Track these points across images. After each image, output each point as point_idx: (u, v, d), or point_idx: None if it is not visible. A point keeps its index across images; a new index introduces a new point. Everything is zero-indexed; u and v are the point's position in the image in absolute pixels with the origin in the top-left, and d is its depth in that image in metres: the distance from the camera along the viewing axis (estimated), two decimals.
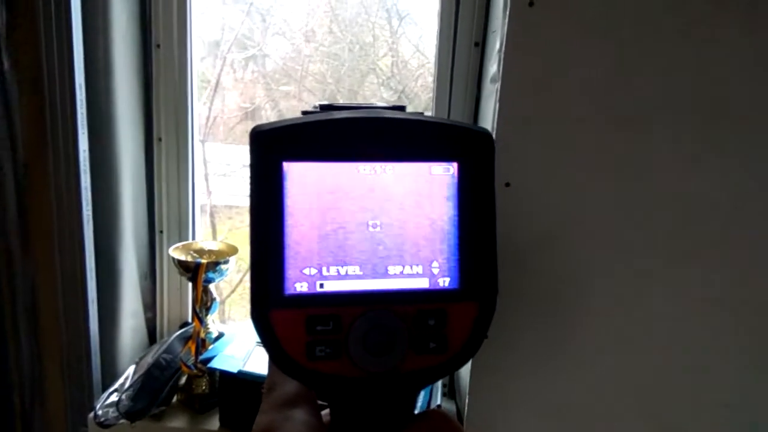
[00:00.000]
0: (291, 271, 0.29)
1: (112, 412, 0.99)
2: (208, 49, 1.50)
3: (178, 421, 1.03)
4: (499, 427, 0.87)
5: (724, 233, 0.79)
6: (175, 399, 1.07)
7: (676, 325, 0.82)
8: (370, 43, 1.74)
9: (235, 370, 1.00)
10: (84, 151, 0.95)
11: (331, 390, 0.30)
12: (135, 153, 1.08)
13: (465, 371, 0.95)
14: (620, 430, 0.86)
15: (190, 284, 1.17)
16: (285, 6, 1.70)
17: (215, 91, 1.67)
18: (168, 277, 1.17)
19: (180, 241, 1.13)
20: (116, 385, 1.03)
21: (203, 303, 1.07)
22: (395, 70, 1.77)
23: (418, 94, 1.78)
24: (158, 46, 1.05)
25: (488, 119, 0.91)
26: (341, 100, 1.65)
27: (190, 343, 1.08)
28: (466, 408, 0.85)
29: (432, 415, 0.30)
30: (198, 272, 1.03)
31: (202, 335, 1.08)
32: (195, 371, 1.05)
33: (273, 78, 1.77)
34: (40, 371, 1.05)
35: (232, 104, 1.75)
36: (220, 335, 1.13)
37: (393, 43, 1.76)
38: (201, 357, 1.05)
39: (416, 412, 0.31)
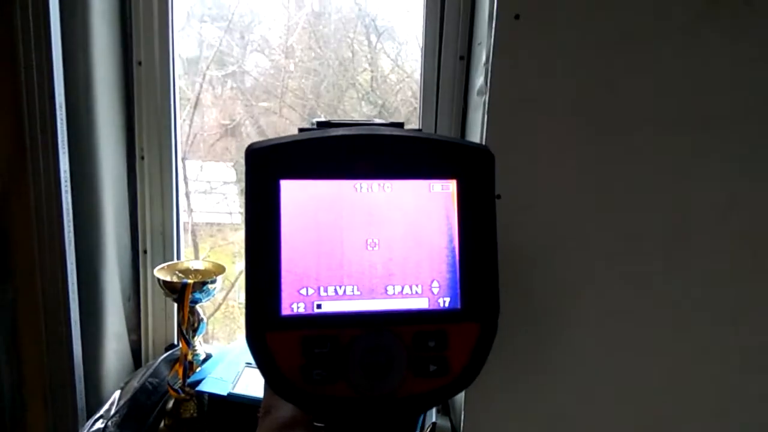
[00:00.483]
0: (287, 292, 0.28)
1: None
2: (186, 66, 1.49)
3: None
4: None
5: (716, 242, 0.80)
6: (162, 424, 1.04)
7: (669, 334, 0.82)
8: (350, 59, 1.75)
9: (224, 393, 0.97)
10: (65, 171, 0.93)
11: (328, 414, 0.29)
12: (117, 172, 1.06)
13: None
14: None
15: (175, 305, 1.15)
16: (264, 23, 1.70)
17: (195, 108, 1.65)
18: (152, 298, 1.15)
19: (164, 261, 1.11)
20: (101, 412, 1.00)
21: (190, 324, 1.05)
22: (375, 85, 1.78)
23: (399, 108, 1.79)
24: (140, 63, 1.03)
25: (476, 132, 0.91)
26: (322, 116, 1.65)
27: (177, 366, 1.06)
28: (461, 425, 0.85)
29: None
30: (185, 293, 1.01)
31: (190, 357, 1.05)
32: (183, 395, 1.03)
33: (252, 94, 1.76)
34: (21, 400, 1.02)
35: (211, 121, 1.74)
36: (208, 357, 1.10)
37: (372, 58, 1.76)
38: (189, 380, 1.03)
39: None
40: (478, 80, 0.90)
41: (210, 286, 1.04)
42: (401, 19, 1.68)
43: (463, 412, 0.84)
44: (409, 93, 1.77)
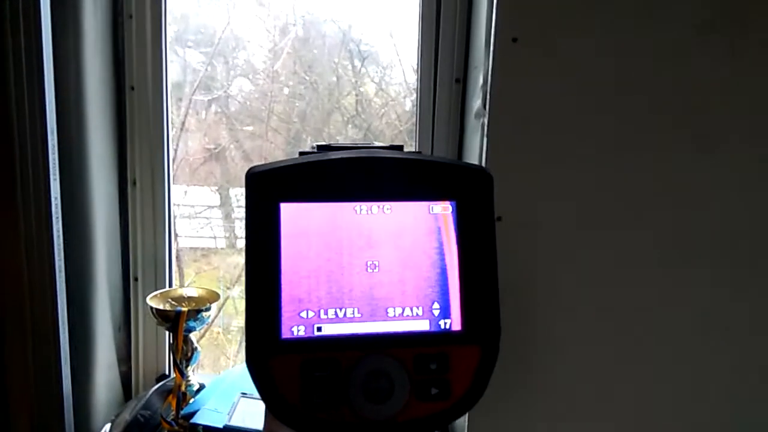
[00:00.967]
0: (287, 315, 0.28)
1: None
2: (171, 91, 1.48)
3: None
4: None
5: (717, 263, 0.81)
6: None
7: (669, 355, 0.83)
8: (334, 83, 1.75)
9: (220, 425, 0.95)
10: (56, 198, 0.90)
11: None
12: (109, 198, 1.04)
13: None
14: None
15: (167, 334, 1.12)
16: (249, 48, 1.70)
17: (180, 132, 1.64)
18: (143, 326, 1.12)
19: (155, 289, 1.09)
20: None
21: (183, 354, 1.02)
22: (359, 109, 1.79)
23: (384, 131, 1.80)
24: (132, 88, 1.02)
25: (474, 154, 0.91)
26: (308, 139, 1.63)
27: (170, 397, 1.02)
28: None
29: None
30: (179, 321, 0.98)
31: (183, 388, 1.02)
32: (176, 428, 0.99)
33: (237, 118, 1.75)
34: None
35: (195, 145, 1.72)
36: (201, 387, 1.07)
37: (356, 82, 1.78)
38: (182, 412, 1.00)
39: None
40: (476, 103, 0.91)
41: (204, 313, 1.01)
42: (385, 43, 1.69)
43: None
44: (394, 116, 1.78)
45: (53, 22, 0.86)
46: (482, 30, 0.88)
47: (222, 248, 1.92)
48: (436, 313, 0.30)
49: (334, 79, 1.72)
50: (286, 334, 0.28)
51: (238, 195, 1.90)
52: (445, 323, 0.30)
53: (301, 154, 0.32)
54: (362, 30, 1.66)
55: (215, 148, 1.73)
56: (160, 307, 1.01)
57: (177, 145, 1.59)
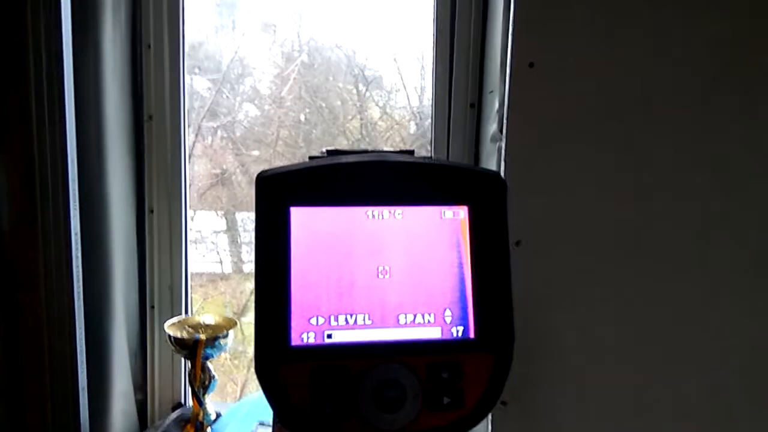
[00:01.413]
0: (297, 321, 0.27)
1: None
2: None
3: None
4: None
5: (737, 297, 0.81)
6: None
7: (687, 386, 0.83)
8: (339, 107, 1.77)
9: None
10: (75, 229, 0.90)
11: None
12: (126, 226, 1.04)
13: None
14: None
15: (182, 361, 1.11)
16: (255, 74, 1.72)
17: (189, 158, 1.64)
18: (159, 354, 1.11)
19: (171, 316, 1.08)
20: None
21: (201, 382, 1.01)
22: (364, 132, 1.80)
23: None
24: (150, 117, 1.03)
25: None
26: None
27: (188, 427, 1.01)
28: None
29: None
30: (197, 349, 0.98)
31: (201, 417, 1.01)
32: None
33: (243, 143, 1.76)
34: None
35: (201, 170, 1.73)
36: (218, 416, 1.06)
37: (361, 106, 1.79)
38: None
39: None
40: (491, 127, 0.92)
41: (222, 340, 1.01)
42: (389, 68, 1.71)
43: None
44: (398, 139, 1.79)
45: (74, 54, 0.87)
46: (497, 54, 0.89)
47: (228, 273, 1.91)
48: (449, 320, 0.29)
49: (339, 103, 1.73)
50: (296, 341, 0.27)
51: (245, 219, 1.90)
52: (458, 331, 0.29)
53: (311, 158, 0.31)
54: (367, 55, 1.68)
55: (221, 173, 1.74)
56: (178, 335, 1.00)
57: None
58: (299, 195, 0.28)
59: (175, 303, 1.10)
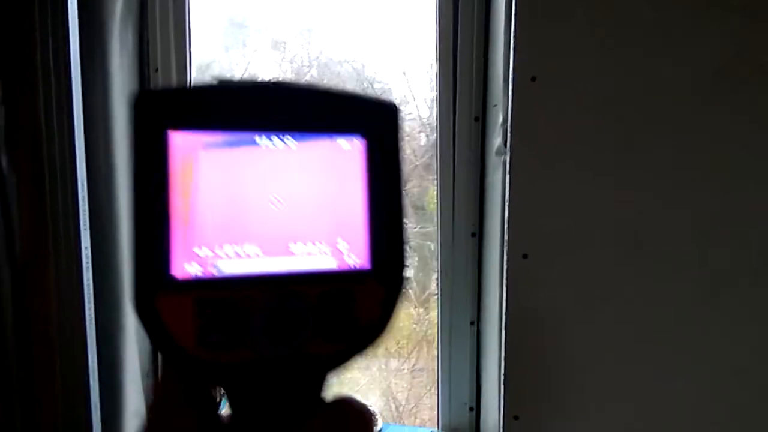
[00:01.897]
0: (179, 250, 0.25)
1: None
2: None
3: None
4: None
5: (737, 297, 0.80)
6: None
7: (696, 402, 0.82)
8: None
9: None
10: (86, 247, 0.92)
11: (228, 379, 0.26)
12: None
13: None
14: None
15: None
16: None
17: None
18: None
19: None
20: None
21: None
22: None
23: None
24: None
25: (497, 192, 0.92)
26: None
27: None
28: None
29: (341, 403, 0.27)
30: None
31: None
32: None
33: None
34: None
35: None
36: None
37: None
38: None
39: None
40: (496, 141, 0.92)
41: None
42: (398, 80, 1.71)
43: None
44: (409, 151, 1.79)
45: (83, 81, 0.89)
46: (500, 67, 0.90)
47: None
48: (342, 250, 0.28)
49: None
50: (177, 271, 0.25)
51: None
52: (351, 261, 0.28)
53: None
54: (376, 68, 1.68)
55: None
56: None
57: None
58: (179, 117, 0.26)
59: None
